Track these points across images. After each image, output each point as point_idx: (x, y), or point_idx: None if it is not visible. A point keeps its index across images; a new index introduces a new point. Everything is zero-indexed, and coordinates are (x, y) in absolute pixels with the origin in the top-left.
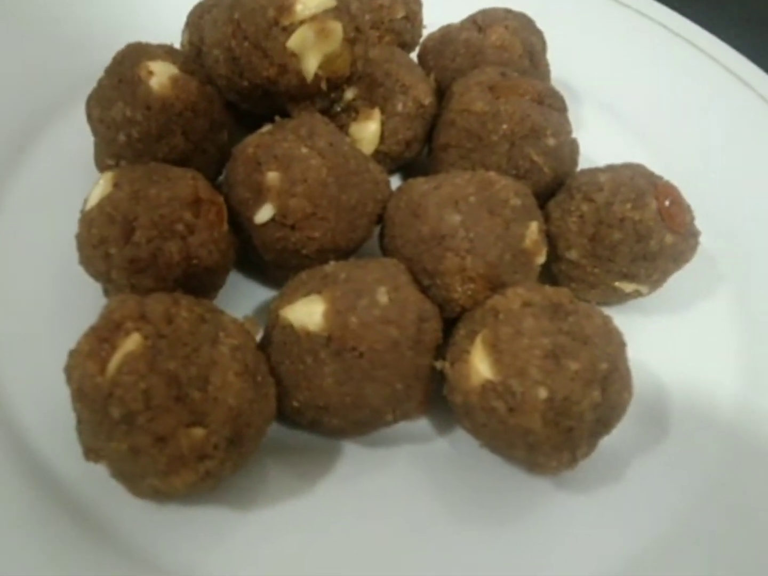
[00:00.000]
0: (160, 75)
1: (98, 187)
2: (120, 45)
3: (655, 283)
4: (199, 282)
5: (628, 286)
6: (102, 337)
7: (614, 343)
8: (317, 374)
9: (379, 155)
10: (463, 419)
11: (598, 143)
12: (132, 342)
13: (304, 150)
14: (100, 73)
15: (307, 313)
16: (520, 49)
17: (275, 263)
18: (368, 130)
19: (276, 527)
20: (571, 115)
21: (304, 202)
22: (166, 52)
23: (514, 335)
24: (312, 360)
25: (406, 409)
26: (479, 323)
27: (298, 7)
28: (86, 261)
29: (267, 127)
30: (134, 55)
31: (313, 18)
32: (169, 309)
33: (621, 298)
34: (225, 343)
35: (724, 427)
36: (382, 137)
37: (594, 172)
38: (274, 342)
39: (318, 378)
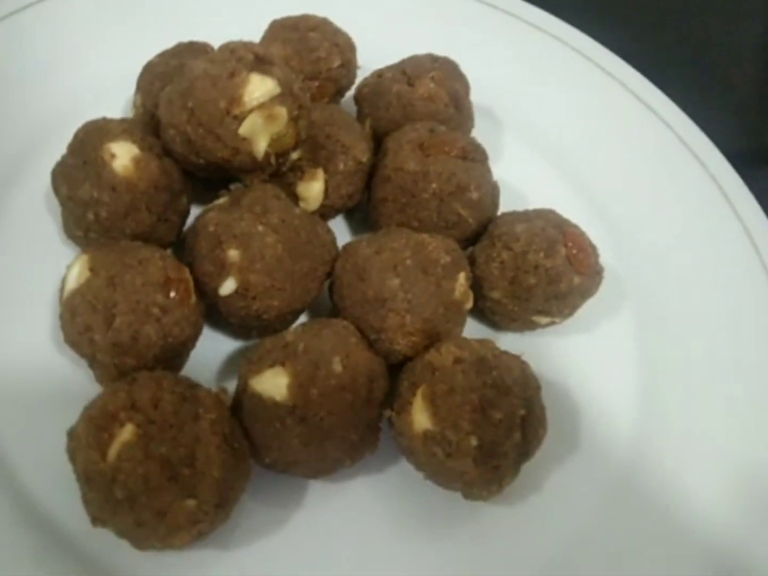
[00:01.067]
0: (122, 157)
1: (74, 270)
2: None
3: (567, 315)
4: (174, 353)
5: (543, 320)
6: (100, 426)
7: (531, 388)
8: (285, 437)
9: (324, 209)
10: (409, 458)
11: (516, 167)
12: (127, 432)
13: (260, 228)
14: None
15: (274, 385)
16: (445, 98)
17: (238, 324)
18: (314, 190)
19: (254, 557)
20: (491, 139)
21: (263, 277)
22: (124, 130)
23: (448, 392)
24: (280, 425)
25: (362, 452)
26: (419, 377)
27: (246, 98)
28: (72, 343)
29: (223, 199)
30: (96, 136)
31: (261, 106)
32: (155, 394)
33: (537, 327)
34: (205, 419)
35: (622, 441)
36: (326, 193)
37: (512, 222)
38: (245, 407)
39: (286, 440)
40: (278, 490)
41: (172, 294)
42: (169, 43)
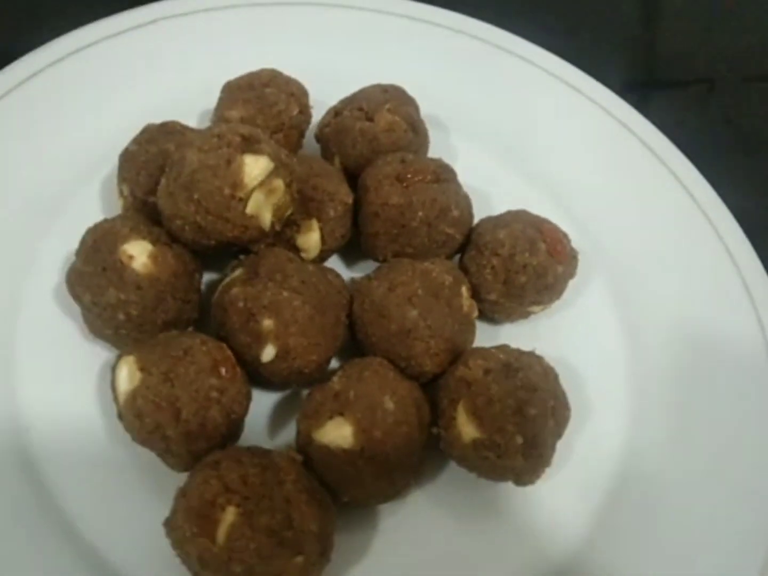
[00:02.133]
0: (139, 256)
1: (123, 372)
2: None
3: (556, 299)
4: (237, 426)
5: (536, 308)
6: (201, 515)
7: (551, 379)
8: (358, 478)
9: (322, 253)
10: (461, 463)
11: (472, 168)
12: (230, 514)
13: (285, 294)
14: None
15: (339, 435)
16: (403, 125)
17: (279, 383)
18: (312, 240)
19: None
20: (443, 145)
21: (299, 338)
22: (133, 229)
23: (487, 402)
24: (352, 469)
25: (421, 471)
26: (456, 393)
27: (246, 181)
28: (143, 442)
29: (239, 270)
30: (109, 241)
31: (261, 184)
32: (241, 472)
33: (531, 315)
34: (287, 481)
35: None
36: (323, 240)
37: (493, 229)
38: (314, 459)
39: (360, 480)
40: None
41: (223, 373)
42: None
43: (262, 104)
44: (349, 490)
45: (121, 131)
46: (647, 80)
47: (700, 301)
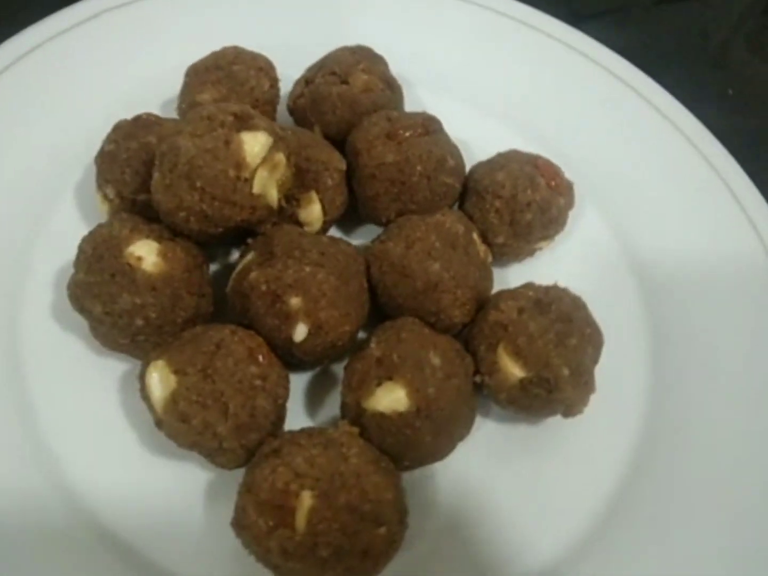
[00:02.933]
0: (148, 256)
1: (154, 378)
2: None
3: (560, 231)
4: (283, 410)
5: (543, 244)
6: (276, 505)
7: (580, 306)
8: (417, 439)
9: (324, 224)
10: (508, 407)
11: (448, 118)
12: (306, 498)
13: (308, 269)
14: None
15: (392, 400)
16: (380, 83)
17: (313, 361)
18: (315, 212)
19: None
20: (414, 99)
21: (330, 311)
22: (133, 230)
23: (528, 340)
24: (410, 431)
25: (474, 420)
26: (493, 337)
27: (249, 159)
28: (192, 445)
29: (251, 254)
30: (111, 246)
31: (264, 160)
32: (305, 455)
33: (537, 251)
34: (351, 455)
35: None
36: (324, 210)
37: (490, 172)
38: (369, 428)
39: (419, 441)
40: None
41: (261, 359)
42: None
43: (232, 83)
44: (410, 453)
45: (83, 133)
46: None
47: (696, 221)
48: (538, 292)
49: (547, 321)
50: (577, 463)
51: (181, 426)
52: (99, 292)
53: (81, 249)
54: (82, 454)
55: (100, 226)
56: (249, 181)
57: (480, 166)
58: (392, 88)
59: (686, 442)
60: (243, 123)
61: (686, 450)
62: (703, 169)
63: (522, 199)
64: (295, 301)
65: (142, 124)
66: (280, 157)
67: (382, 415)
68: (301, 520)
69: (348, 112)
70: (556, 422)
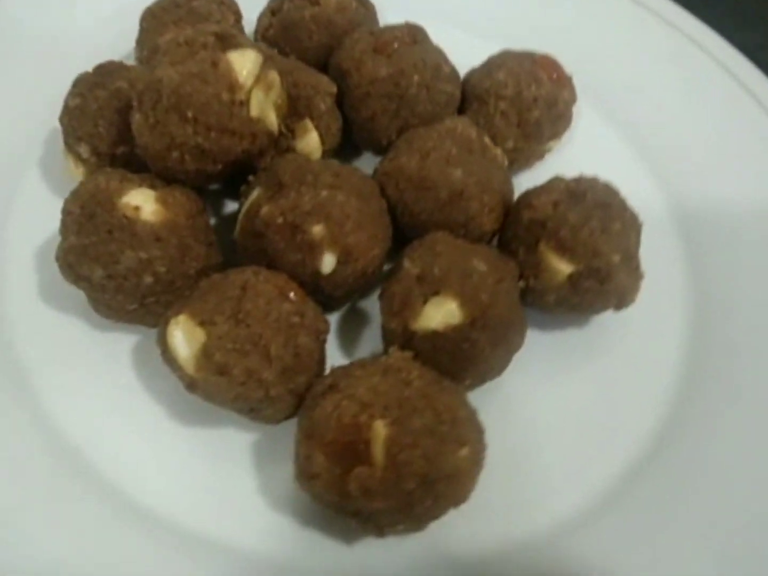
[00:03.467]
0: (146, 204)
1: (177, 336)
2: None
3: (567, 127)
4: (324, 346)
5: (553, 144)
6: (348, 442)
7: (614, 192)
8: (476, 351)
9: (324, 155)
10: (555, 309)
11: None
12: (380, 428)
13: (325, 193)
14: None
15: (444, 314)
16: (353, 2)
17: (343, 295)
18: (312, 141)
19: None
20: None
21: (357, 234)
22: (123, 180)
23: (571, 232)
24: (467, 344)
25: (527, 325)
26: (532, 236)
27: (242, 79)
28: (235, 398)
29: (257, 191)
30: (102, 200)
31: (257, 79)
32: (366, 385)
33: (546, 154)
34: (413, 378)
35: None
36: (322, 139)
37: (489, 73)
38: (422, 350)
39: (478, 354)
40: None
41: (293, 296)
42: None
43: (195, 20)
44: (470, 369)
45: (40, 97)
46: None
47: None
48: (569, 183)
49: (585, 209)
50: (628, 378)
51: (220, 380)
52: (97, 254)
53: (66, 211)
54: (101, 440)
55: (83, 183)
56: (245, 104)
57: (475, 71)
58: (365, 5)
59: (731, 367)
60: (226, 43)
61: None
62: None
63: (527, 96)
64: (317, 229)
65: (106, 71)
66: (274, 76)
67: (434, 334)
68: (378, 453)
69: (325, 35)
70: (599, 337)
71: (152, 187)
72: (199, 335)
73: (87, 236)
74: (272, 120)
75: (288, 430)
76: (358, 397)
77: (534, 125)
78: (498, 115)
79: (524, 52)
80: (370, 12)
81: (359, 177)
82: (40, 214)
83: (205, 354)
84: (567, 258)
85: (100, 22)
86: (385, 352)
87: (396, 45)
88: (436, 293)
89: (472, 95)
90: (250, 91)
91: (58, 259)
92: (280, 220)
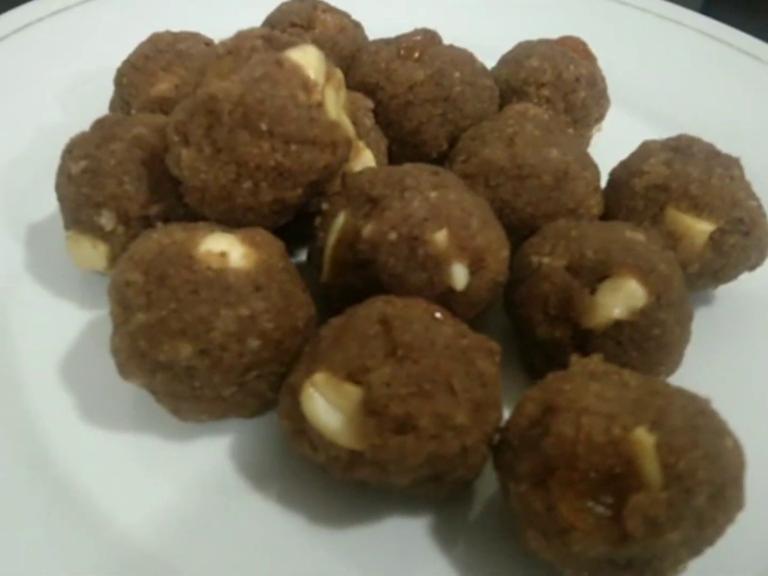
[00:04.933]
0: (232, 249)
1: (320, 402)
2: None
3: (609, 106)
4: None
5: (597, 128)
6: (608, 467)
7: (707, 143)
8: (669, 336)
9: None
10: (697, 281)
11: None
12: (644, 435)
13: (434, 194)
14: None
15: (625, 296)
16: (348, 21)
17: (474, 311)
18: (367, 160)
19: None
20: None
21: (484, 234)
22: (189, 230)
23: (701, 186)
24: (659, 329)
25: None
26: (654, 204)
27: (313, 75)
28: (429, 459)
29: (342, 217)
30: (173, 256)
31: (327, 76)
32: (590, 394)
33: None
34: (626, 378)
35: None
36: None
37: (518, 63)
38: (605, 348)
39: (671, 338)
40: None
41: (440, 316)
42: None
43: (187, 62)
44: (665, 357)
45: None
46: None
47: None
48: (667, 142)
49: (700, 161)
50: None
51: (404, 441)
52: (182, 326)
53: (126, 283)
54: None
55: (137, 245)
56: (321, 105)
57: (499, 67)
58: (358, 25)
59: None
60: (278, 43)
61: None
62: None
63: (568, 77)
64: (440, 236)
65: (110, 124)
66: (339, 72)
67: (617, 326)
68: (652, 469)
69: (330, 58)
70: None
71: (227, 230)
72: (352, 392)
73: (163, 306)
74: (348, 124)
75: None
76: (597, 410)
77: (581, 107)
78: (544, 103)
79: (542, 39)
80: (362, 31)
81: (454, 175)
82: (49, 328)
83: (372, 411)
84: (705, 215)
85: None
86: (534, 372)
87: (421, 48)
88: (604, 277)
89: (507, 91)
90: (323, 90)
91: (117, 352)
92: (392, 235)
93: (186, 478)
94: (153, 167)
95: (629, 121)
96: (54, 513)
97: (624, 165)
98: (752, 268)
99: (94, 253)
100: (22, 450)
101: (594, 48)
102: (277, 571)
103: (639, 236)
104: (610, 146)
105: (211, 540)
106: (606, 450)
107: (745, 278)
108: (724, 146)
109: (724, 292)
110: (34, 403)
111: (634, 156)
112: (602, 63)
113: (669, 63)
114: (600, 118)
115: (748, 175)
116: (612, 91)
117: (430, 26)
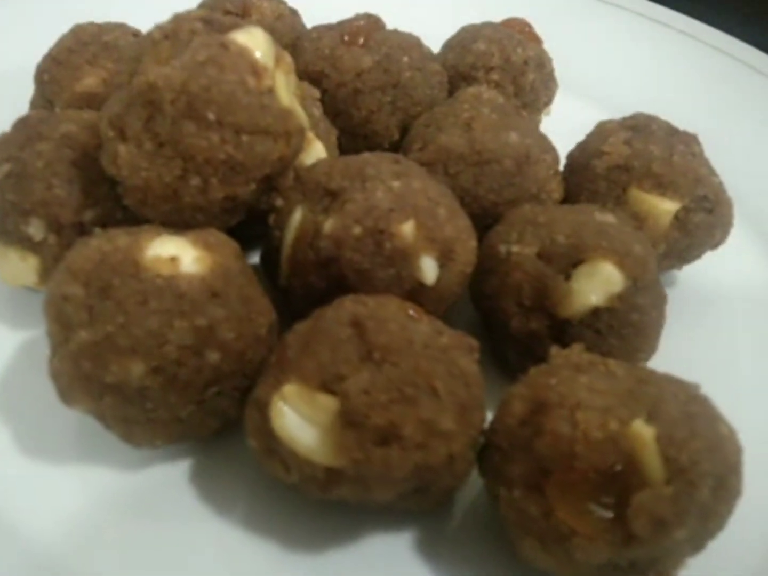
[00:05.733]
0: (183, 252)
1: (292, 416)
2: None
3: (557, 88)
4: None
5: (546, 111)
6: (608, 465)
7: (663, 120)
8: (647, 320)
9: None
10: (663, 261)
11: None
12: (642, 428)
13: (396, 183)
14: None
15: (603, 281)
16: (285, 8)
17: (445, 306)
18: (318, 151)
19: None
20: None
21: (452, 223)
22: (132, 234)
23: (663, 164)
24: (638, 314)
25: None
26: (617, 185)
27: (261, 59)
28: (416, 470)
29: (299, 213)
30: (117, 264)
31: (277, 60)
32: (581, 387)
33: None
34: (612, 367)
35: None
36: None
37: (464, 47)
38: (584, 338)
39: (650, 322)
40: None
41: (414, 314)
42: None
43: (114, 55)
44: (644, 343)
45: None
46: None
47: None
48: (623, 121)
49: (661, 139)
50: None
51: (387, 453)
52: (130, 342)
53: (63, 297)
54: None
55: (74, 254)
56: (272, 90)
57: (444, 52)
58: (294, 13)
59: None
60: (219, 26)
61: None
62: None
63: (517, 60)
64: (407, 228)
65: (34, 122)
66: (288, 56)
67: (595, 312)
68: (654, 463)
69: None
70: None
71: (174, 233)
72: (327, 403)
73: (108, 321)
74: (301, 112)
75: None
76: (591, 405)
77: (531, 90)
78: (493, 84)
79: (487, 22)
80: (299, 18)
81: (415, 163)
82: None
83: (350, 423)
84: (669, 194)
85: None
86: (508, 367)
87: (365, 33)
88: (578, 263)
89: (455, 76)
90: (272, 75)
91: (58, 375)
92: (356, 230)
93: (144, 509)
94: (85, 168)
95: (577, 104)
96: None
97: (582, 147)
98: (716, 246)
99: (23, 267)
100: None
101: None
102: None
103: (610, 218)
104: (560, 130)
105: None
106: (605, 447)
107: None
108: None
109: (687, 271)
110: None
111: (591, 137)
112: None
113: (609, 45)
114: (548, 101)
115: None
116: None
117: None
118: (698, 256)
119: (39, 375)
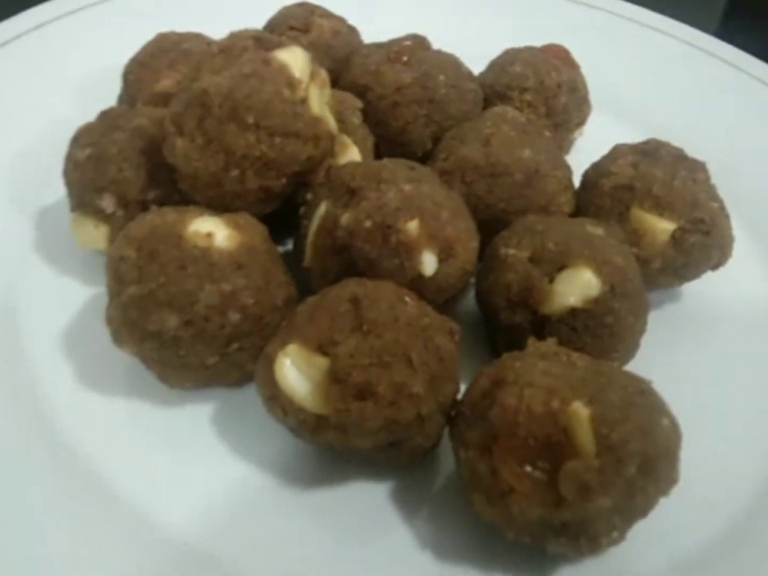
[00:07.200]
0: (218, 230)
1: (292, 371)
2: None
3: (590, 111)
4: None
5: (578, 132)
6: (546, 435)
7: (676, 147)
8: (623, 324)
9: None
10: (659, 277)
11: None
12: (580, 409)
13: (408, 187)
14: None
15: (581, 285)
16: (343, 26)
17: (443, 300)
18: (354, 156)
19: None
20: None
21: (454, 224)
22: (181, 212)
23: (664, 186)
24: (613, 318)
25: None
26: (620, 203)
27: (298, 74)
28: (386, 424)
29: (324, 206)
30: (164, 235)
31: (312, 75)
32: (538, 370)
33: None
34: (575, 359)
35: None
36: (362, 151)
37: (502, 69)
38: (561, 334)
39: (625, 327)
40: None
41: (408, 300)
42: None
43: (190, 61)
44: (618, 345)
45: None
46: None
47: None
48: (636, 146)
49: (668, 164)
50: None
51: (364, 406)
52: (169, 297)
53: (120, 258)
54: None
55: (131, 226)
56: (305, 101)
57: (484, 73)
58: (352, 29)
59: None
60: (268, 44)
61: None
62: None
63: (550, 83)
64: (412, 226)
65: (114, 115)
66: (324, 73)
67: (572, 313)
68: (586, 439)
69: (325, 60)
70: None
71: (214, 214)
72: (320, 362)
73: (152, 280)
74: (331, 120)
75: None
76: (540, 384)
77: (562, 111)
78: (525, 107)
79: (527, 46)
80: (356, 36)
81: (427, 171)
82: (53, 302)
83: (336, 380)
84: (666, 214)
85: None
86: (498, 355)
87: (409, 53)
88: (562, 267)
89: (491, 95)
90: (308, 87)
91: (111, 321)
92: (368, 224)
93: (173, 442)
94: (151, 155)
95: (613, 126)
96: (53, 474)
97: (595, 166)
98: (715, 267)
99: (95, 234)
100: (26, 414)
101: (578, 55)
102: (251, 526)
103: (598, 231)
104: (592, 149)
105: (193, 495)
106: (544, 420)
107: (711, 278)
108: (703, 148)
109: (690, 289)
110: (37, 371)
111: (604, 158)
112: (586, 70)
113: (653, 70)
114: (581, 122)
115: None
116: (595, 97)
117: (424, 33)
118: (697, 275)
119: (101, 323)
